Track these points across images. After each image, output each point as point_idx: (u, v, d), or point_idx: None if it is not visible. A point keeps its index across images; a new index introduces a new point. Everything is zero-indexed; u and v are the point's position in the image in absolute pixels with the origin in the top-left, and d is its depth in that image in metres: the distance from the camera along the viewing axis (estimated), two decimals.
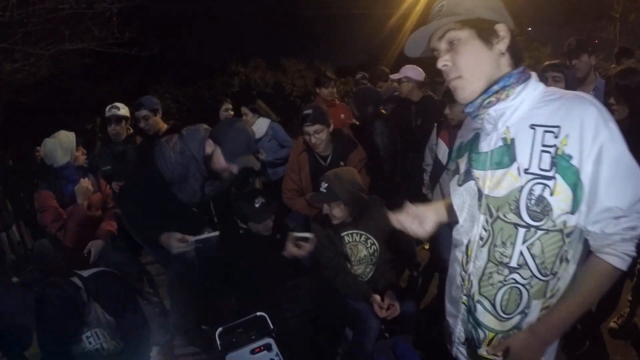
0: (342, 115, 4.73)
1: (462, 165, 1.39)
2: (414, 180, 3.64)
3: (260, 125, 4.34)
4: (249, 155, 2.46)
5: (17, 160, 6.64)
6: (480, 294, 1.34)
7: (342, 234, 2.69)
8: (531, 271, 1.24)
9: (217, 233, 2.47)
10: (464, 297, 1.39)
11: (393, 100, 4.63)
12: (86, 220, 3.00)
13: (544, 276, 1.24)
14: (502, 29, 1.19)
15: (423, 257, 4.35)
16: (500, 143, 1.25)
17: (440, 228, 1.50)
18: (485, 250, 1.30)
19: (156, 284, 3.00)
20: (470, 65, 1.21)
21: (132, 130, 3.95)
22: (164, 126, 3.86)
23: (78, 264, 2.21)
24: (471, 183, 1.34)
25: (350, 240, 2.70)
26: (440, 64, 1.24)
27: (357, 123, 4.76)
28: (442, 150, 3.10)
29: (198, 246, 2.39)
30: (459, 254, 1.41)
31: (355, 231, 2.69)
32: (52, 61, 7.26)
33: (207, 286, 2.76)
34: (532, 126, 1.19)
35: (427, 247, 4.50)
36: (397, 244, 2.86)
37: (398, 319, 2.61)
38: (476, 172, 1.32)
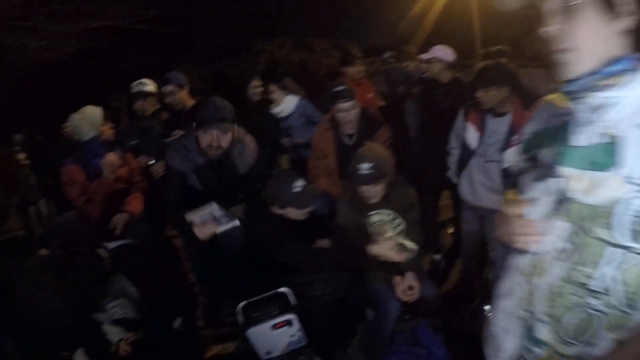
0: (370, 94, 4.65)
1: (544, 157, 1.15)
2: (441, 162, 3.57)
3: (289, 103, 4.32)
4: (220, 124, 2.48)
5: (44, 137, 6.79)
6: (544, 313, 1.13)
7: (371, 213, 2.65)
8: (615, 299, 1.01)
9: (236, 223, 2.51)
10: (523, 313, 1.20)
11: (421, 81, 4.53)
12: (112, 193, 3.04)
13: (629, 308, 1.01)
14: (631, 2, 0.97)
15: (446, 241, 4.32)
16: (604, 139, 1.01)
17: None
18: (561, 265, 1.09)
19: (181, 256, 3.04)
20: (590, 38, 1.01)
21: (159, 106, 3.96)
22: (190, 102, 3.86)
23: (104, 237, 2.25)
24: (554, 181, 1.10)
25: (378, 219, 2.66)
26: (550, 28, 1.02)
27: (383, 103, 4.70)
28: (471, 135, 3.02)
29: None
30: (524, 261, 1.19)
31: (383, 210, 2.66)
32: (78, 39, 7.30)
33: (231, 264, 2.78)
34: None
35: (450, 231, 4.45)
36: (419, 227, 2.83)
37: (418, 301, 2.59)
38: (566, 170, 1.07)
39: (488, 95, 2.78)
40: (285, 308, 2.04)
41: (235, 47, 14.99)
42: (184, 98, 3.80)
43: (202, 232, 2.47)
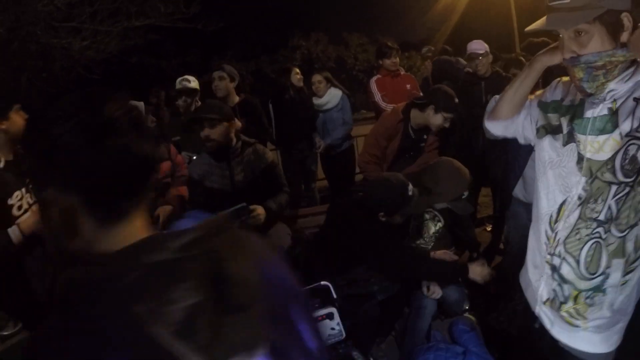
0: (408, 86, 4.64)
1: (564, 125, 1.45)
2: (481, 159, 3.53)
3: (334, 95, 4.39)
4: (208, 120, 2.65)
5: None
6: (566, 250, 1.43)
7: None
8: (614, 225, 1.33)
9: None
10: (548, 257, 1.49)
11: (463, 76, 4.48)
12: (156, 184, 3.12)
13: (620, 232, 1.33)
14: (626, 19, 1.25)
15: (485, 239, 4.25)
16: (605, 112, 1.34)
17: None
18: (579, 208, 1.40)
19: None
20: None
21: (200, 103, 4.07)
22: (236, 98, 3.96)
23: None
24: (573, 145, 1.42)
25: (428, 217, 2.67)
26: (566, 55, 1.32)
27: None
28: None
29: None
30: (547, 211, 1.49)
31: (429, 208, 2.66)
32: (119, 38, 7.51)
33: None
34: (635, 99, 1.29)
35: (489, 229, 4.38)
36: (456, 222, 2.82)
37: (446, 302, 2.59)
38: (578, 136, 1.40)
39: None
40: (327, 301, 2.07)
41: (272, 43, 15.11)
42: (231, 90, 3.90)
43: None
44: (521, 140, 1.66)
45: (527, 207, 3.15)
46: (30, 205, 2.54)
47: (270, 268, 0.81)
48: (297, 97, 4.35)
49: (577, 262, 1.41)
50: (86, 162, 0.69)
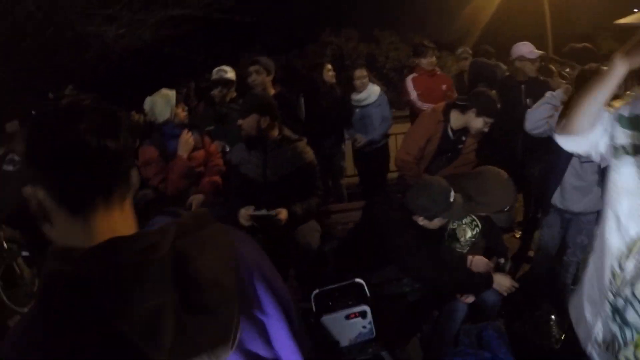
0: (444, 86, 4.60)
1: None
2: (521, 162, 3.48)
3: (373, 91, 4.37)
4: (246, 110, 2.76)
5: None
6: (634, 294, 1.25)
7: None
8: None
9: (272, 212, 2.63)
10: (611, 296, 1.31)
11: (502, 80, 4.39)
12: (187, 171, 3.12)
13: None
14: None
15: (513, 246, 4.18)
16: None
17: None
18: None
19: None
20: None
21: (235, 94, 4.08)
22: (272, 90, 3.96)
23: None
24: None
25: (466, 222, 2.63)
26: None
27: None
28: None
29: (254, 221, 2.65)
30: (617, 244, 1.29)
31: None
32: (154, 27, 7.50)
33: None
34: None
35: (518, 235, 4.31)
36: (489, 227, 2.78)
37: (483, 305, 2.55)
38: None
39: None
40: (361, 299, 2.07)
41: (302, 38, 15.09)
42: (267, 84, 3.90)
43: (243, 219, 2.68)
44: (596, 159, 1.46)
45: (562, 215, 3.11)
46: None
47: (249, 270, 0.83)
48: (330, 93, 4.33)
49: None
50: (47, 159, 0.73)
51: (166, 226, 0.72)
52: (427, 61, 4.49)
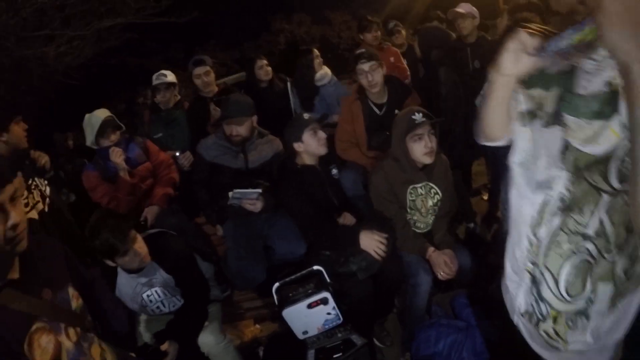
0: (392, 59, 4.56)
1: (548, 102, 1.13)
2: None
3: (327, 71, 4.24)
4: (237, 118, 2.86)
5: (77, 142, 6.91)
6: (545, 265, 1.18)
7: (416, 185, 2.58)
8: (605, 243, 1.09)
9: (258, 190, 2.75)
10: (530, 265, 1.24)
11: (450, 44, 4.34)
12: (133, 188, 3.08)
13: (609, 253, 1.10)
14: None
15: (482, 209, 4.21)
16: (604, 88, 1.01)
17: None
18: (560, 215, 1.13)
19: (213, 243, 3.06)
20: None
21: (179, 97, 3.97)
22: (215, 87, 3.90)
23: (137, 229, 2.29)
24: (556, 129, 1.10)
25: (423, 192, 2.60)
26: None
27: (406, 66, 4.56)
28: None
29: (235, 199, 2.74)
30: (528, 212, 1.21)
31: (426, 183, 2.59)
32: (94, 40, 7.32)
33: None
34: None
35: (485, 197, 4.33)
36: (454, 194, 2.76)
37: (468, 268, 2.54)
38: (568, 118, 1.08)
39: None
40: (320, 286, 2.02)
41: (254, 29, 14.84)
42: (213, 81, 3.90)
43: (255, 207, 2.77)
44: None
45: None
46: (35, 203, 2.70)
47: None
48: (269, 89, 4.10)
49: (556, 281, 1.17)
50: None
51: None
52: (371, 36, 4.45)
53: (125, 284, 2.32)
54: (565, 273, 1.15)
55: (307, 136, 2.59)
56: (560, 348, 1.22)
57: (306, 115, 2.70)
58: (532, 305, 1.25)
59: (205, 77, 3.84)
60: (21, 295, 1.12)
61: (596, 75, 1.02)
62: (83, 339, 1.25)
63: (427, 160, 2.47)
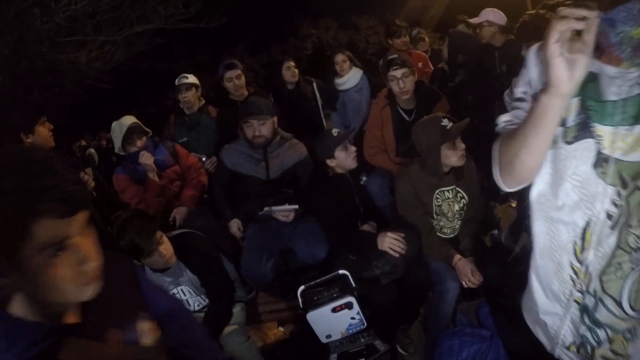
0: (420, 64, 4.53)
1: (571, 114, 1.02)
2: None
3: (354, 74, 4.25)
4: (257, 116, 2.83)
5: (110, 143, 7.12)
6: (603, 290, 1.07)
7: (443, 189, 2.56)
8: None
9: (295, 206, 2.77)
10: (578, 294, 1.12)
11: (478, 48, 4.31)
12: (162, 190, 3.14)
13: None
14: None
15: (510, 215, 4.12)
16: (637, 90, 0.93)
17: None
18: (615, 233, 1.02)
19: (240, 245, 3.09)
20: None
21: (204, 101, 4.03)
22: (245, 91, 3.95)
23: (165, 229, 2.33)
24: (589, 142, 1.00)
25: (450, 196, 2.58)
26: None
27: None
28: None
29: (269, 211, 2.80)
30: (568, 238, 1.10)
31: (454, 187, 2.57)
32: (125, 46, 7.49)
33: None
34: None
35: (514, 204, 4.24)
36: (481, 199, 2.73)
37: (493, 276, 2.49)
38: (599, 128, 0.98)
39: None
40: (345, 290, 2.02)
41: (282, 34, 14.98)
42: (244, 85, 3.93)
43: (287, 218, 2.82)
44: None
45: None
46: None
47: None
48: (295, 92, 4.21)
49: (619, 303, 1.07)
50: None
51: None
52: (400, 41, 4.42)
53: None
54: (627, 291, 1.06)
55: (338, 152, 2.64)
56: None
57: (335, 132, 2.72)
58: (583, 335, 1.15)
59: (236, 80, 3.88)
60: (83, 344, 0.86)
61: (624, 79, 0.95)
62: None
63: (460, 163, 2.46)
